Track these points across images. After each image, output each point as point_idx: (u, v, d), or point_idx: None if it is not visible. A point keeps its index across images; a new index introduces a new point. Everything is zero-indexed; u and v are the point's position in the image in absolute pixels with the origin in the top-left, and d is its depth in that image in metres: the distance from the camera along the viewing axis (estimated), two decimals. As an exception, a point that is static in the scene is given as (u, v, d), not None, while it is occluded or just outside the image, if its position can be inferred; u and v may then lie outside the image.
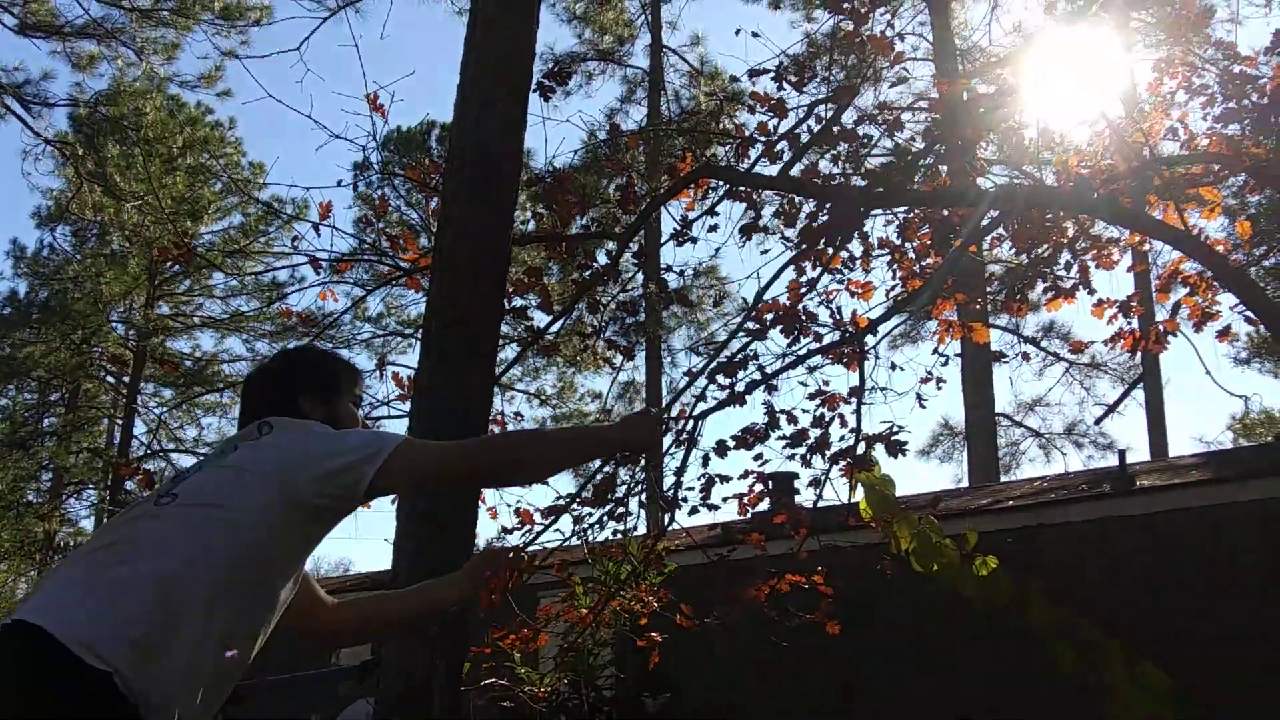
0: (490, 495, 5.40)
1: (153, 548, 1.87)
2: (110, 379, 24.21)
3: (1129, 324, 5.71)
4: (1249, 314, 5.23)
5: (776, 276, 4.98)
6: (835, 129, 4.95)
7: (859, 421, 4.75)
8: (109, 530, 2.03)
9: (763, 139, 5.17)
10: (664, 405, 3.83)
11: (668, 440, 4.57)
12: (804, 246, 5.03)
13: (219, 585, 1.87)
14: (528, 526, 4.85)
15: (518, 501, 4.67)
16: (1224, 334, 5.65)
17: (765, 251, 5.44)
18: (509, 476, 2.47)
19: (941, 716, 8.25)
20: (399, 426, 5.25)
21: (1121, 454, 9.18)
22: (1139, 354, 6.27)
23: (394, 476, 2.03)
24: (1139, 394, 18.58)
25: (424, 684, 3.49)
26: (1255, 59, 5.54)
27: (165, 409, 23.33)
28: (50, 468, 22.56)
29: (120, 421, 24.02)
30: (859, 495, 5.36)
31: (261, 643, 2.04)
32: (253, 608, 1.96)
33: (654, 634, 5.30)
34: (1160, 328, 5.74)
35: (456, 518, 3.66)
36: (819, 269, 5.17)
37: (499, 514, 5.01)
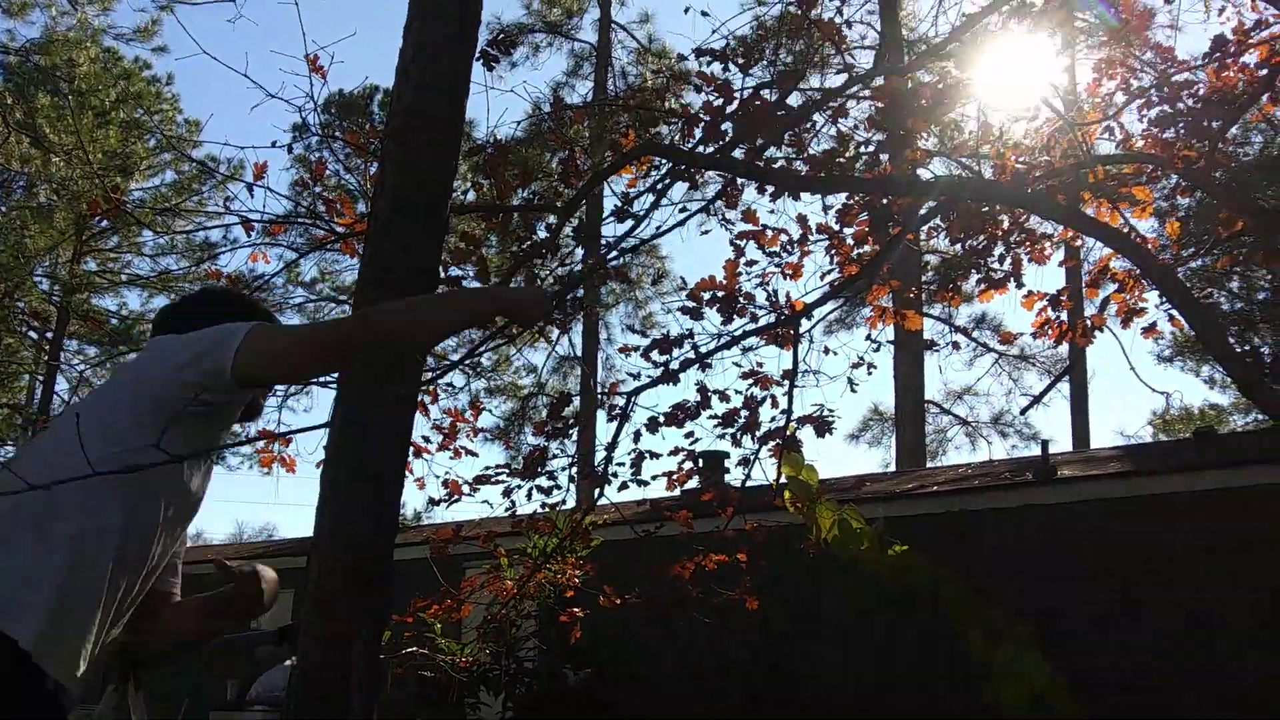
0: (418, 466, 5.37)
1: (32, 478, 1.79)
2: (33, 334, 23.56)
3: (1057, 316, 5.82)
4: (1174, 312, 5.36)
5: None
6: (780, 112, 4.96)
7: (790, 403, 4.79)
8: None
9: (707, 119, 5.16)
10: (555, 290, 3.77)
11: (601, 416, 4.55)
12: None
13: (97, 503, 1.86)
14: (455, 496, 4.83)
15: (446, 473, 4.64)
16: (1149, 330, 5.79)
17: (706, 232, 5.45)
18: (389, 347, 2.41)
19: (853, 693, 8.38)
20: (329, 394, 5.17)
21: (1044, 444, 9.36)
22: (1065, 346, 6.38)
23: (257, 355, 1.96)
24: (1064, 387, 18.98)
25: (344, 650, 3.45)
26: (1191, 65, 5.66)
27: (89, 366, 22.77)
28: (-32, 423, 21.94)
29: (42, 378, 23.43)
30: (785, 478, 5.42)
31: (150, 577, 2.01)
32: (140, 522, 1.94)
33: (576, 610, 5.31)
34: (1088, 322, 5.86)
35: (380, 486, 3.63)
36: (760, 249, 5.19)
37: (426, 485, 4.97)
